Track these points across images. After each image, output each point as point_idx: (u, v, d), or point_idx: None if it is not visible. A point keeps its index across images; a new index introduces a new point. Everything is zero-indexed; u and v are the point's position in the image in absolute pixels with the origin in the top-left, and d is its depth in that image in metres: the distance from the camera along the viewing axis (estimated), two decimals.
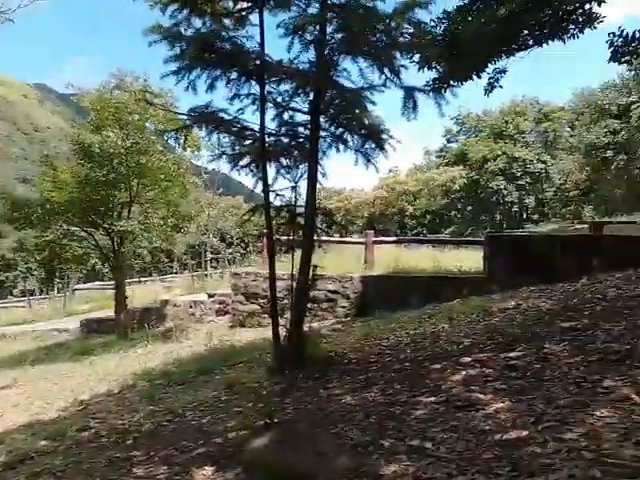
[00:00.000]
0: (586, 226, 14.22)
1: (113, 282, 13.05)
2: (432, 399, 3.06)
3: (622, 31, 7.12)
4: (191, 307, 10.87)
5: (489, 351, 4.04)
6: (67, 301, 18.69)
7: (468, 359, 3.87)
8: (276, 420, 3.40)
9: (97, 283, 21.65)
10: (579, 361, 3.34)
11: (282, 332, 5.22)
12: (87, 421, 4.78)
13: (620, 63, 7.49)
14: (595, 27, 7.13)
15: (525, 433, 2.30)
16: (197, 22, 5.05)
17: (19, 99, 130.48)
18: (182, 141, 11.10)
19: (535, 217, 46.86)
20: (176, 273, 24.08)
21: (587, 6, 7.02)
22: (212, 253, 20.54)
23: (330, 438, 2.81)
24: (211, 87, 5.22)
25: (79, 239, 11.77)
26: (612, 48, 7.19)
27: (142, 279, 20.72)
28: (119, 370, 7.22)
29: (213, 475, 2.94)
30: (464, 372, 3.55)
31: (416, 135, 53.15)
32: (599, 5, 6.98)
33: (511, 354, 3.79)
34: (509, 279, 7.33)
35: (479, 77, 7.60)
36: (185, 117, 5.78)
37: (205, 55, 5.07)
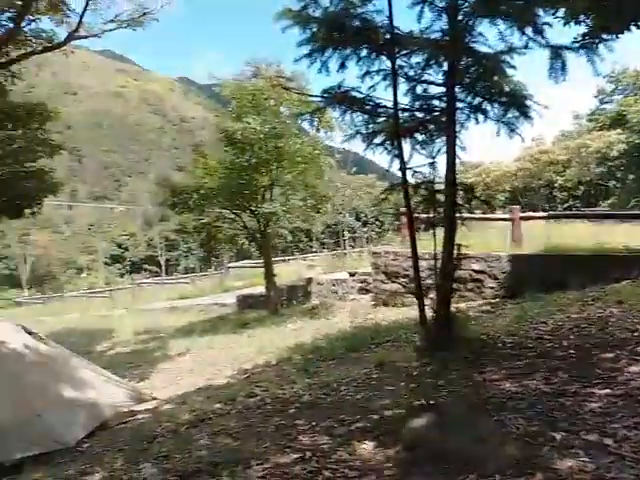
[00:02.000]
0: None
1: (261, 261, 14.04)
2: (607, 391, 2.84)
3: None
4: (334, 285, 11.27)
5: None
6: (223, 278, 20.69)
7: None
8: (432, 402, 3.43)
9: (247, 261, 23.48)
10: None
11: (428, 312, 5.19)
12: (252, 389, 5.26)
13: None
14: None
15: None
16: (324, 1, 5.07)
17: (167, 92, 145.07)
18: (316, 123, 11.34)
19: None
20: (315, 252, 25.13)
21: None
22: (349, 232, 20.95)
23: (493, 425, 2.77)
24: (342, 67, 5.24)
25: (229, 221, 12.71)
26: None
27: (285, 258, 22.00)
28: (274, 343, 7.79)
29: (374, 450, 3.07)
30: None
31: (561, 99, 48.12)
32: None
33: None
34: None
35: (639, 27, 6.60)
36: (319, 99, 5.89)
37: (335, 35, 5.10)
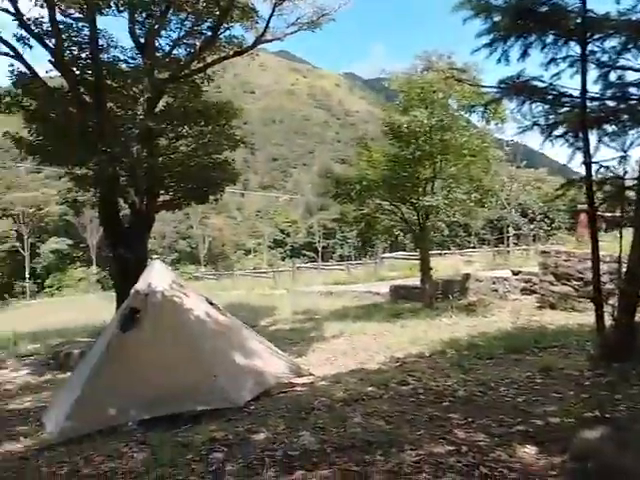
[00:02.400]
0: None
1: (415, 253, 13.87)
2: None
3: None
4: (494, 283, 10.72)
5: None
6: (377, 267, 21.07)
7: None
8: (607, 415, 3.13)
9: (401, 253, 23.55)
10: None
11: (606, 320, 4.70)
12: (405, 377, 5.32)
13: None
14: None
15: None
16: None
17: (333, 88, 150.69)
18: (487, 115, 10.84)
19: None
20: (474, 248, 24.12)
21: None
22: (513, 229, 19.61)
23: None
24: (524, 55, 4.97)
25: (388, 213, 12.81)
26: None
27: (441, 252, 21.57)
28: (427, 336, 7.72)
29: (537, 455, 2.93)
30: None
31: None
32: None
33: None
34: None
35: None
36: (494, 90, 5.65)
37: (519, 22, 4.84)
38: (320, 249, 64.28)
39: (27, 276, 51.81)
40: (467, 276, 11.61)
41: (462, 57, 12.73)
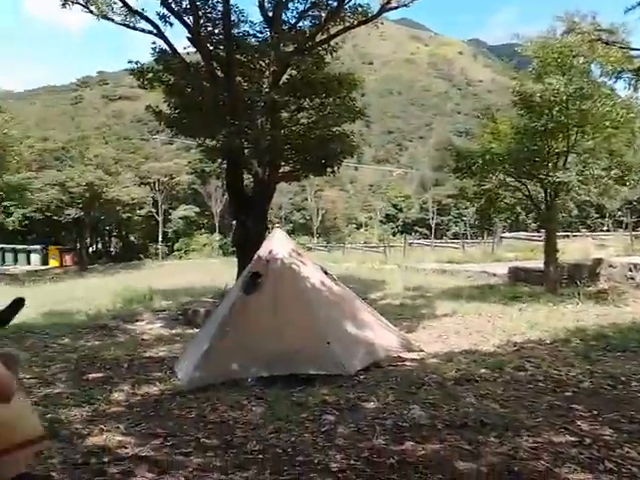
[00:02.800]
0: None
1: (538, 233, 12.89)
2: None
3: None
4: (630, 270, 9.68)
5: None
6: (495, 247, 20.07)
7: None
8: None
9: (522, 233, 22.19)
10: None
11: None
12: (522, 363, 5.08)
13: None
14: None
15: None
16: None
17: (455, 56, 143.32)
18: (636, 81, 9.64)
19: None
20: (608, 230, 21.85)
21: None
22: None
23: None
24: None
25: (512, 189, 12.05)
26: None
27: (569, 233, 19.95)
28: (549, 322, 7.24)
29: None
30: None
31: None
32: None
33: None
34: None
35: None
36: None
37: None
38: (433, 226, 62.67)
39: (160, 239, 57.24)
40: (599, 261, 10.62)
41: (606, 17, 11.30)
